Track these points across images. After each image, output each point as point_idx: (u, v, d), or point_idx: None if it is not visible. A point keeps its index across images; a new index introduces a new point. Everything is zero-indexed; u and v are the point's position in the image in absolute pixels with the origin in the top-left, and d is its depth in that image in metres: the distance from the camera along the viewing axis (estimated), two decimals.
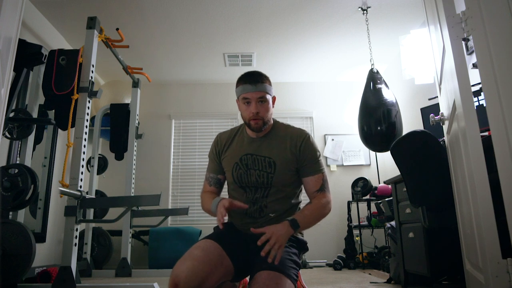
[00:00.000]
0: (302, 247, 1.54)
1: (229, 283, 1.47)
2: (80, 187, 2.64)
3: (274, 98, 1.59)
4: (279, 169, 1.51)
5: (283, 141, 1.56)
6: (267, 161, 1.53)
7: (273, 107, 1.58)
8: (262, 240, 1.29)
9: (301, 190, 1.64)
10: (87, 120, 2.78)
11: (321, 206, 1.48)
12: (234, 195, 1.60)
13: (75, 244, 2.53)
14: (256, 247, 1.43)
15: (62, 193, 2.50)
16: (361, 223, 4.19)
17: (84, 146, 2.74)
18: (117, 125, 4.13)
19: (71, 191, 2.55)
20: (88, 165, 4.10)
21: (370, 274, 3.47)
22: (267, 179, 1.51)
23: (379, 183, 4.44)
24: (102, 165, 4.33)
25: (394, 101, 3.35)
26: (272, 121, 1.59)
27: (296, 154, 1.53)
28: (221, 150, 1.63)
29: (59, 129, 3.03)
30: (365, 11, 3.58)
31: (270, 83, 1.56)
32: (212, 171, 1.66)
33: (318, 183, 1.53)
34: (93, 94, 2.83)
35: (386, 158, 4.73)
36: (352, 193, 4.28)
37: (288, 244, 1.45)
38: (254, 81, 1.50)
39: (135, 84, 4.25)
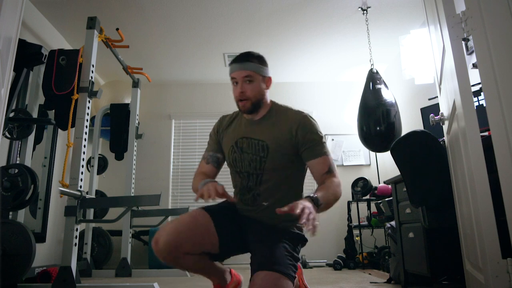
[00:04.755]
0: (299, 240, 1.51)
1: (208, 261, 1.48)
2: (80, 187, 2.64)
3: (269, 79, 1.55)
4: (272, 153, 1.47)
5: (280, 123, 1.51)
6: (260, 145, 1.49)
7: (268, 88, 1.54)
8: (298, 212, 1.17)
9: (300, 180, 1.57)
10: (87, 120, 2.78)
11: (337, 187, 1.40)
12: (232, 179, 1.60)
13: (75, 244, 2.53)
14: (250, 229, 1.47)
15: (62, 193, 2.50)
16: (361, 223, 4.18)
17: (84, 146, 2.74)
18: (117, 125, 4.13)
19: (71, 191, 2.55)
20: (88, 165, 4.10)
21: (370, 274, 3.47)
22: (260, 164, 1.48)
23: (379, 183, 4.43)
24: (102, 165, 4.33)
25: (394, 101, 3.35)
26: (268, 102, 1.57)
27: (292, 138, 1.47)
28: (222, 132, 1.63)
29: (59, 129, 3.03)
30: (365, 11, 3.58)
31: (262, 63, 1.52)
32: (211, 150, 1.64)
33: (325, 165, 1.44)
34: (93, 94, 2.83)
35: (386, 158, 4.72)
36: (352, 193, 4.28)
37: (284, 240, 1.43)
38: (240, 60, 1.49)
39: (135, 84, 4.25)
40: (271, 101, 1.60)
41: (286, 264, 1.31)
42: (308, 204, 1.22)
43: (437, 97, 2.11)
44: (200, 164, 1.65)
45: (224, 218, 1.48)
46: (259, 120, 1.55)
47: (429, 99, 3.01)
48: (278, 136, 1.49)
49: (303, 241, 1.53)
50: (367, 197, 4.20)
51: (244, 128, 1.56)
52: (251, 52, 1.54)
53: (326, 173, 1.44)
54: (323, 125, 5.02)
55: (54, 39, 3.81)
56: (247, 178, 1.51)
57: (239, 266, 4.28)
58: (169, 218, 4.62)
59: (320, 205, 1.30)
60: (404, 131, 3.24)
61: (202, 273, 1.54)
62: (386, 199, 3.47)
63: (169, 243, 1.32)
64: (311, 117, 1.54)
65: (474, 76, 1.43)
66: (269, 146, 1.48)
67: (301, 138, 1.47)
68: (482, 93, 1.89)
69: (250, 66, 1.49)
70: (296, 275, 1.70)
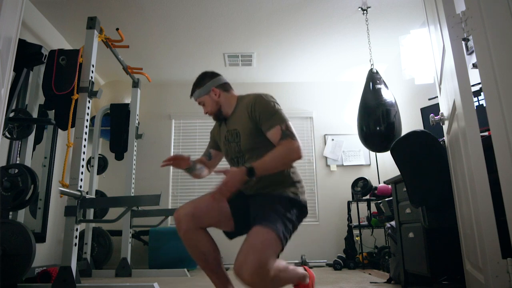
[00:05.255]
0: (293, 203, 1.64)
1: (219, 257, 1.67)
2: (80, 187, 2.64)
3: (213, 90, 1.80)
4: (242, 137, 1.72)
5: (243, 111, 1.74)
6: (235, 133, 1.76)
7: (218, 95, 1.80)
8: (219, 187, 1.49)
9: None
10: (87, 120, 2.78)
11: (283, 151, 1.57)
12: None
13: (75, 244, 2.53)
14: (251, 203, 1.68)
15: (62, 193, 2.50)
16: (361, 223, 4.18)
17: (84, 146, 2.74)
18: (117, 125, 4.13)
19: (71, 191, 2.55)
20: (88, 165, 4.10)
21: (370, 274, 3.47)
22: (238, 148, 1.74)
23: (379, 183, 4.43)
24: (102, 165, 4.33)
25: (393, 101, 3.35)
26: (232, 100, 1.82)
27: (251, 118, 1.69)
28: (215, 132, 1.94)
29: (59, 129, 3.03)
30: (365, 11, 3.58)
31: (201, 85, 1.82)
32: (208, 146, 2.01)
33: (277, 134, 1.62)
34: (93, 94, 2.83)
35: (386, 158, 4.72)
36: (352, 193, 4.28)
37: (277, 203, 1.60)
38: (191, 94, 1.87)
39: (135, 84, 4.24)
40: (237, 97, 1.84)
41: (274, 220, 1.49)
42: (233, 174, 1.50)
43: (437, 97, 2.11)
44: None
45: (235, 199, 1.67)
46: (231, 115, 1.82)
47: (429, 99, 3.01)
48: (243, 121, 1.72)
49: (298, 205, 1.66)
50: (367, 197, 4.20)
51: (226, 125, 1.83)
52: (195, 82, 1.86)
53: (280, 140, 1.60)
54: (323, 125, 5.12)
55: (54, 39, 3.81)
56: (236, 162, 1.77)
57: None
58: (169, 218, 4.63)
59: (253, 171, 1.51)
60: (404, 131, 3.24)
61: (209, 268, 1.65)
62: (386, 199, 3.47)
63: (188, 213, 1.58)
64: (264, 95, 1.73)
65: (474, 76, 1.43)
66: (239, 132, 1.73)
67: (257, 116, 1.67)
68: (482, 93, 1.90)
69: (195, 95, 1.85)
70: (307, 271, 1.81)
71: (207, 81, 1.83)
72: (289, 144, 1.57)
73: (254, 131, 1.68)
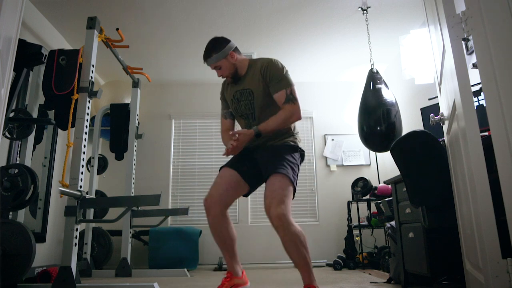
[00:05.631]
0: (294, 149, 1.97)
1: (235, 244, 1.98)
2: (80, 187, 2.64)
3: (230, 54, 1.99)
4: (256, 95, 1.97)
5: (255, 72, 1.99)
6: (248, 92, 2.00)
7: (234, 58, 1.99)
8: (232, 143, 1.84)
9: None
10: (87, 120, 2.77)
11: (284, 114, 1.89)
12: (238, 123, 2.15)
13: (75, 244, 2.53)
14: (258, 156, 1.98)
15: (62, 193, 2.50)
16: (361, 223, 4.18)
17: (84, 146, 2.74)
18: (117, 125, 4.13)
19: (71, 191, 2.55)
20: (88, 165, 4.10)
21: (370, 274, 3.47)
22: (250, 105, 2.00)
23: (379, 183, 4.43)
24: (102, 165, 4.33)
25: (394, 101, 3.35)
26: (245, 62, 2.04)
27: (262, 80, 1.95)
28: (225, 92, 2.16)
29: (59, 129, 3.03)
30: (365, 11, 3.58)
31: (218, 50, 1.96)
32: (224, 108, 2.20)
33: (282, 97, 1.91)
34: (93, 94, 2.83)
35: (386, 158, 4.72)
36: (352, 193, 4.28)
37: (282, 151, 1.92)
38: (204, 59, 2.01)
39: (135, 84, 4.24)
40: (249, 59, 2.06)
41: (283, 167, 1.82)
42: (244, 134, 1.85)
43: (437, 97, 2.11)
44: (222, 121, 2.22)
45: (242, 163, 1.99)
46: (243, 76, 2.04)
47: (429, 99, 3.01)
48: (256, 82, 1.96)
49: (299, 150, 2.00)
50: (367, 197, 4.20)
51: (237, 84, 2.06)
52: (207, 47, 1.99)
53: (284, 103, 1.90)
54: (323, 125, 5.12)
55: (54, 39, 3.81)
56: (247, 118, 2.03)
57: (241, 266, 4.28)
58: (169, 218, 4.63)
59: (259, 132, 1.89)
60: (404, 131, 3.24)
61: (225, 248, 1.96)
62: (386, 199, 3.46)
63: (216, 200, 1.87)
64: (275, 60, 1.98)
65: (474, 76, 1.43)
66: (253, 91, 1.98)
67: (267, 78, 1.94)
68: (482, 93, 1.89)
69: (211, 61, 1.99)
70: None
71: (224, 45, 1.99)
72: (291, 108, 1.89)
73: (266, 90, 1.95)
